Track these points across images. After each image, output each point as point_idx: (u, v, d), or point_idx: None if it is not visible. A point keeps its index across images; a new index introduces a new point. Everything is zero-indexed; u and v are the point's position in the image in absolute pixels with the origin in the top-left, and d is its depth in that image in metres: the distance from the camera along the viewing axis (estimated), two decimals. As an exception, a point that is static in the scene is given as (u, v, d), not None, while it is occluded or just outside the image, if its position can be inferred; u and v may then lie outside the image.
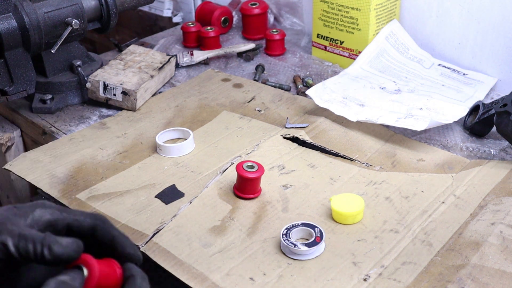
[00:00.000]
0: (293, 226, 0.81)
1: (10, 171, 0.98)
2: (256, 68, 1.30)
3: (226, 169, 0.96)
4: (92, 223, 0.60)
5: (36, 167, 0.98)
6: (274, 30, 1.38)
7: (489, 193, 0.89)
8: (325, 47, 1.33)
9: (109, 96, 1.15)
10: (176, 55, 1.32)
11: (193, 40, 1.43)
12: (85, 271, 0.56)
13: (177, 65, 1.32)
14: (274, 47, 1.37)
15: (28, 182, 0.95)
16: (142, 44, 1.43)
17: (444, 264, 0.77)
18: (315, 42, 1.35)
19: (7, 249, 0.54)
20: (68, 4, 1.14)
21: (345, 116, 1.06)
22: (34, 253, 0.54)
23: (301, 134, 1.04)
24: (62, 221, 0.59)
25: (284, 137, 1.04)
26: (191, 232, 0.83)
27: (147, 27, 1.77)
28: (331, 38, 1.31)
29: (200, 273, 0.76)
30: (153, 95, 1.20)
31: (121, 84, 1.14)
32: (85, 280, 0.55)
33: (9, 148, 1.20)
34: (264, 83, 1.24)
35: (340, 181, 0.94)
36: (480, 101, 1.07)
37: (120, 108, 1.16)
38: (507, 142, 1.02)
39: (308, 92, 1.11)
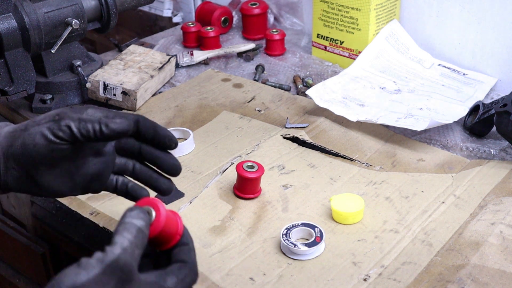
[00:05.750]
0: (293, 226, 0.81)
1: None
2: (256, 68, 1.30)
3: (226, 169, 0.96)
4: (135, 117, 0.69)
5: (36, 167, 0.97)
6: (274, 30, 1.37)
7: (489, 193, 0.89)
8: (325, 47, 1.33)
9: (109, 96, 1.15)
10: (176, 55, 1.32)
11: (193, 40, 1.43)
12: (153, 214, 0.59)
13: (177, 65, 1.32)
14: (274, 47, 1.37)
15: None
16: (142, 44, 1.43)
17: (444, 264, 0.77)
18: (315, 42, 1.35)
19: (71, 130, 0.65)
20: (68, 4, 1.14)
21: (345, 116, 1.06)
22: (94, 131, 0.65)
23: (301, 134, 1.04)
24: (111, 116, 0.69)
25: (284, 137, 1.04)
26: (191, 232, 0.83)
27: (147, 27, 1.77)
28: (331, 38, 1.31)
29: (200, 273, 0.76)
30: (153, 95, 1.20)
31: (121, 84, 1.14)
32: (152, 223, 0.59)
33: (9, 148, 1.20)
34: (264, 83, 1.24)
35: (340, 181, 0.94)
36: (480, 101, 1.07)
37: (120, 108, 1.16)
38: (507, 142, 1.02)
39: (308, 92, 1.11)
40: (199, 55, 1.34)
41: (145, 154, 0.73)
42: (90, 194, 0.91)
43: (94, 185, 0.73)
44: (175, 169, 0.73)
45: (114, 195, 0.91)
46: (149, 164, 0.75)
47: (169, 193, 0.75)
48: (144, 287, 0.56)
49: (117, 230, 0.56)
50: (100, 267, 0.52)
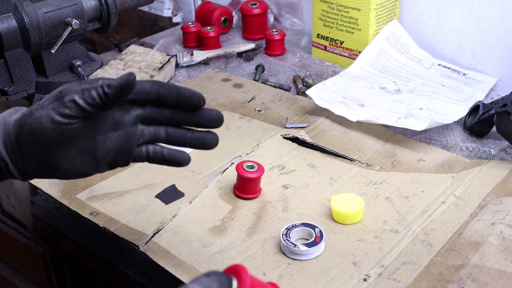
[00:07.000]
0: (293, 226, 0.81)
1: (10, 171, 0.97)
2: (256, 68, 1.30)
3: (226, 169, 0.96)
4: (154, 87, 0.66)
5: (36, 167, 0.97)
6: (274, 30, 1.37)
7: (489, 193, 0.89)
8: (325, 47, 1.33)
9: (109, 96, 1.14)
10: (176, 55, 1.32)
11: (193, 40, 1.43)
12: (235, 284, 0.52)
13: (177, 65, 1.32)
14: (274, 47, 1.37)
15: (28, 182, 0.95)
16: (142, 44, 1.43)
17: (444, 264, 0.77)
18: (315, 42, 1.35)
19: (77, 104, 0.61)
20: (68, 4, 1.14)
21: (345, 116, 1.06)
22: (99, 96, 0.61)
23: (301, 134, 1.04)
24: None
25: (284, 137, 1.04)
26: (191, 232, 0.83)
27: (147, 27, 1.77)
28: (331, 38, 1.31)
29: (200, 273, 0.76)
30: (153, 95, 1.20)
31: (121, 84, 1.14)
32: None
33: (9, 148, 1.20)
34: (264, 83, 1.24)
35: (340, 181, 0.94)
36: (480, 101, 1.07)
37: (120, 108, 1.16)
38: (507, 142, 1.02)
39: (308, 92, 1.11)
40: (199, 55, 1.34)
41: (178, 117, 0.68)
42: (90, 194, 0.91)
43: (120, 159, 0.68)
44: (219, 120, 0.69)
45: (114, 195, 0.91)
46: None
47: (215, 146, 0.71)
48: None
49: None
50: None
